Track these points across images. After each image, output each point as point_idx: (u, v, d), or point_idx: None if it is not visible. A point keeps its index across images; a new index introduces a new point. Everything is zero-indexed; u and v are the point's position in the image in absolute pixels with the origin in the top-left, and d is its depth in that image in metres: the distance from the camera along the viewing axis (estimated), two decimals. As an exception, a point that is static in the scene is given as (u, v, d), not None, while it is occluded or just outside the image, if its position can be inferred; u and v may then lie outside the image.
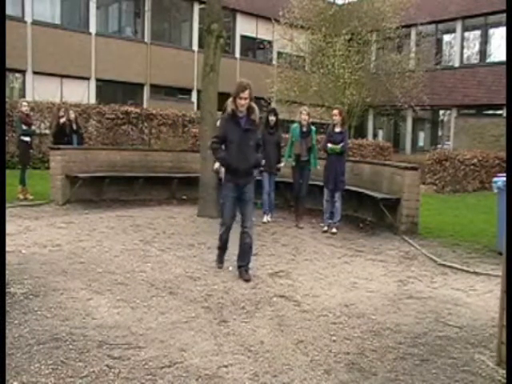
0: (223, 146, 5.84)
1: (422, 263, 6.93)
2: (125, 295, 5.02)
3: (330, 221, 8.79)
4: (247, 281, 5.54)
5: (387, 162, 11.57)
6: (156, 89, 23.80)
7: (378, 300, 5.27)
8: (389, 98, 22.19)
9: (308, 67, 23.57)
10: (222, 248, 6.17)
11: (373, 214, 9.33)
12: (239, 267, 5.80)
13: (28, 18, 20.14)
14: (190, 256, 6.55)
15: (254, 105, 5.75)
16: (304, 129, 8.90)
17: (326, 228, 8.79)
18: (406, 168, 8.90)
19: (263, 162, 6.63)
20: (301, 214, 9.27)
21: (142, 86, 23.81)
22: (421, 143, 26.33)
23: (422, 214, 9.00)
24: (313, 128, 9.04)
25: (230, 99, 5.71)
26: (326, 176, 8.71)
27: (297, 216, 9.24)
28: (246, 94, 5.56)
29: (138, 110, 18.98)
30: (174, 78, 23.64)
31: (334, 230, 8.63)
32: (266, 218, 9.36)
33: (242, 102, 5.57)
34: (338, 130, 8.68)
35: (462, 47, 24.65)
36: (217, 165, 8.21)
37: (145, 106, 22.42)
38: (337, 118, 8.69)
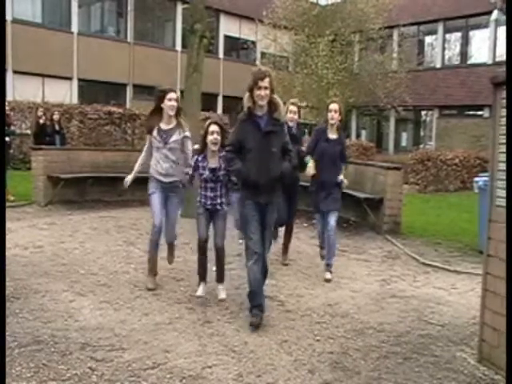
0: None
1: (405, 262, 6.98)
2: (108, 296, 5.00)
3: (324, 260, 6.21)
4: (255, 326, 4.37)
5: (370, 162, 11.64)
6: (139, 89, 23.66)
7: (361, 299, 5.31)
8: (372, 98, 22.32)
9: (291, 67, 23.63)
10: (256, 300, 4.51)
11: (356, 214, 9.38)
12: (251, 310, 4.51)
13: (8, 17, 19.89)
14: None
15: (277, 99, 4.52)
16: (293, 131, 6.09)
17: (323, 254, 6.35)
18: (388, 168, 8.96)
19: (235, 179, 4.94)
20: (287, 244, 6.73)
21: (124, 86, 23.67)
22: (403, 143, 26.53)
23: (404, 213, 9.08)
24: (305, 130, 7.33)
25: (246, 95, 4.47)
26: (315, 197, 6.12)
27: (284, 249, 6.69)
28: (265, 82, 4.35)
29: (120, 111, 18.86)
30: (157, 78, 23.44)
31: (329, 276, 5.91)
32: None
33: (262, 93, 4.33)
34: (333, 136, 5.93)
35: (444, 48, 24.94)
36: (129, 177, 5.42)
37: (128, 106, 22.29)
38: (335, 118, 5.88)
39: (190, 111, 9.74)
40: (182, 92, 10.29)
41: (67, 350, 3.75)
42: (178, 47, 25.06)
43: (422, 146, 24.44)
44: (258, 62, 25.68)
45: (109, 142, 18.10)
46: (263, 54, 25.51)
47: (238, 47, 28.33)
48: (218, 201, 4.96)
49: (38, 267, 5.83)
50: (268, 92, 4.37)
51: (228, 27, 27.11)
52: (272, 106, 4.45)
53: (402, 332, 4.43)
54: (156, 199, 5.22)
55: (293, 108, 6.25)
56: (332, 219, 5.89)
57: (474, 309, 4.90)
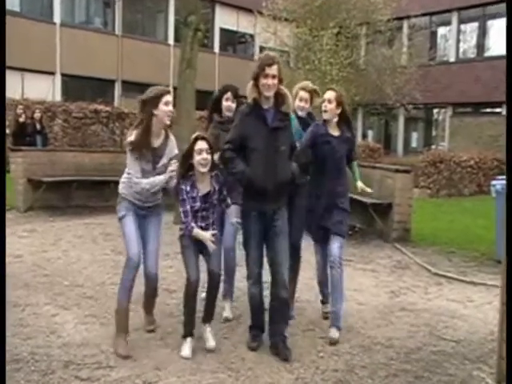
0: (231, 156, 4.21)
1: (416, 273, 6.97)
2: (94, 310, 4.98)
3: (326, 307, 5.11)
4: (286, 360, 4.04)
5: (377, 165, 11.64)
6: (128, 86, 23.70)
7: (368, 312, 5.29)
8: (379, 95, 22.37)
9: (293, 63, 23.67)
10: (256, 323, 4.37)
11: (362, 221, 9.38)
12: (271, 339, 4.23)
13: (-15, 7, 19.94)
14: (165, 267, 6.50)
15: (285, 90, 4.23)
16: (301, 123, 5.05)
17: (327, 310, 5.06)
18: (397, 171, 8.96)
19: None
20: (293, 289, 5.05)
21: (112, 82, 23.71)
22: (413, 144, 26.60)
23: (414, 219, 9.07)
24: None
25: (250, 84, 4.18)
26: (310, 216, 4.87)
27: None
28: (273, 69, 4.06)
29: (108, 109, 18.87)
30: (148, 74, 23.55)
31: (335, 335, 4.52)
32: (226, 311, 5.03)
33: (269, 82, 4.04)
34: (334, 133, 4.80)
35: (458, 41, 24.97)
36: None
37: (116, 104, 22.33)
38: (330, 109, 4.73)
39: (184, 110, 9.76)
40: (174, 89, 10.31)
41: (49, 368, 3.73)
42: (171, 41, 25.12)
43: (433, 146, 24.48)
44: (256, 57, 25.73)
45: (95, 142, 18.11)
46: (262, 49, 25.54)
47: (234, 41, 28.43)
48: (210, 229, 4.19)
49: (17, 278, 5.80)
50: (276, 82, 4.08)
51: (224, 19, 27.19)
52: (279, 97, 4.16)
53: (413, 348, 4.42)
54: (130, 224, 4.22)
55: (303, 94, 5.03)
56: (335, 246, 4.62)
57: (491, 324, 4.89)
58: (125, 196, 4.26)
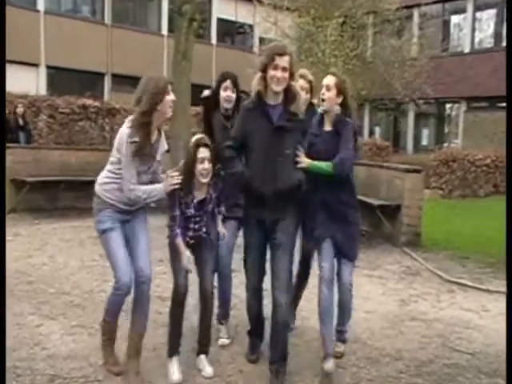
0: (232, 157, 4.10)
1: (427, 279, 6.97)
2: (82, 320, 4.98)
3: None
4: None
5: (385, 164, 11.65)
6: (119, 79, 23.70)
7: (375, 322, 5.29)
8: (387, 90, 22.36)
9: (295, 55, 23.65)
10: (254, 331, 4.39)
11: (369, 224, 9.37)
12: (270, 363, 4.03)
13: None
14: (158, 273, 6.48)
15: (296, 88, 4.11)
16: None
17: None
18: (406, 170, 8.96)
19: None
20: (296, 302, 5.03)
21: (102, 75, 23.70)
22: (424, 142, 26.60)
23: (425, 222, 9.07)
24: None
25: (258, 76, 4.00)
26: (309, 231, 4.44)
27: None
28: (284, 60, 3.85)
29: (97, 104, 18.86)
30: (140, 67, 23.42)
31: (340, 349, 4.50)
32: (222, 339, 4.70)
33: (279, 74, 3.84)
34: (327, 127, 4.27)
35: (474, 29, 24.86)
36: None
37: (106, 99, 22.31)
38: (329, 98, 4.21)
39: (179, 105, 9.76)
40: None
41: (33, 383, 3.72)
42: (164, 31, 25.13)
43: (446, 144, 24.46)
44: (255, 49, 25.75)
45: (83, 140, 18.09)
46: (262, 40, 25.56)
47: (233, 32, 28.42)
48: (204, 229, 4.08)
49: (-1, 285, 5.80)
50: (286, 75, 3.87)
51: (221, 8, 27.19)
52: (289, 94, 3.95)
53: (424, 361, 4.41)
54: (118, 239, 3.87)
55: (302, 83, 4.78)
56: (346, 272, 4.31)
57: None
58: (108, 201, 3.86)
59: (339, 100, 4.21)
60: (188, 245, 4.02)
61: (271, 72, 3.85)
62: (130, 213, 3.95)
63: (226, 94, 4.54)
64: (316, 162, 4.05)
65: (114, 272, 3.82)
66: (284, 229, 3.97)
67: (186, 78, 9.90)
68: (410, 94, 22.32)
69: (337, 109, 4.21)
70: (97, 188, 3.93)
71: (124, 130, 3.77)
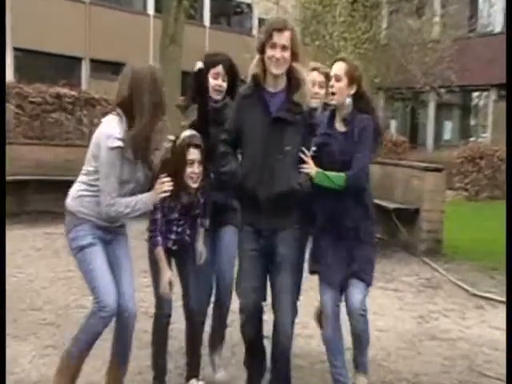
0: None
1: (449, 293, 6.98)
2: (56, 340, 4.98)
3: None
4: None
5: (402, 162, 11.66)
6: (98, 65, 23.76)
7: (391, 341, 5.29)
8: (404, 77, 22.34)
9: (299, 38, 23.65)
10: (251, 364, 4.15)
11: (383, 230, 9.38)
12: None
13: None
14: (142, 286, 6.47)
15: (301, 70, 3.87)
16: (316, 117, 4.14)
17: None
18: (426, 169, 8.97)
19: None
20: None
21: (79, 60, 23.75)
22: (447, 136, 26.62)
23: (447, 228, 9.07)
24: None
25: (256, 58, 3.86)
26: (316, 251, 4.13)
27: None
28: (283, 37, 3.69)
29: (74, 93, 18.83)
30: (123, 52, 23.52)
31: (364, 382, 4.19)
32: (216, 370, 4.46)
33: (277, 54, 3.66)
34: (340, 128, 4.04)
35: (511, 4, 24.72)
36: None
37: (83, 87, 22.31)
38: (339, 89, 3.98)
39: (167, 96, 9.74)
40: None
41: (0, 410, 3.72)
42: (151, 11, 25.19)
43: (472, 139, 24.47)
44: (254, 32, 25.77)
45: (58, 134, 18.05)
46: (262, 21, 25.59)
47: (228, 12, 28.51)
48: (188, 232, 4.03)
49: (-38, 300, 5.80)
50: (287, 55, 3.68)
51: (216, -16, 27.23)
52: (292, 80, 3.78)
53: (446, 385, 4.42)
54: (100, 257, 3.70)
55: (317, 77, 4.57)
56: (356, 297, 3.98)
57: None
58: (85, 218, 3.67)
59: (352, 91, 3.99)
60: (170, 252, 3.96)
61: (269, 52, 3.68)
62: (111, 231, 3.77)
63: (216, 83, 4.23)
64: (326, 173, 3.81)
65: (97, 295, 3.63)
66: (285, 241, 3.80)
67: (176, 65, 9.95)
68: (431, 82, 22.30)
69: (348, 101, 3.99)
70: (69, 203, 3.73)
71: (103, 131, 3.54)
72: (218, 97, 4.26)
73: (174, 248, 3.98)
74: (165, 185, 3.68)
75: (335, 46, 20.98)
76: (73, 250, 3.71)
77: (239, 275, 3.93)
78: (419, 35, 22.35)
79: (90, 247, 3.64)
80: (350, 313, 3.96)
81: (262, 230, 3.80)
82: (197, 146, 3.84)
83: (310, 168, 3.81)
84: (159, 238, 3.87)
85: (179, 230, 3.98)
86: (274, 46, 3.67)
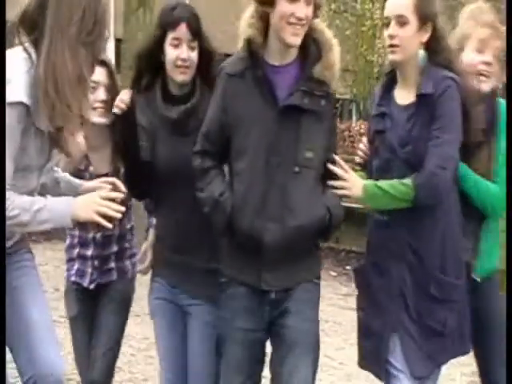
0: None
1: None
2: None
3: None
4: None
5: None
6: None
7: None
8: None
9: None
10: None
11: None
12: None
13: None
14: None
15: (323, 28, 3.41)
16: None
17: None
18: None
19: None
20: None
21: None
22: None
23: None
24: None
25: (250, 12, 3.26)
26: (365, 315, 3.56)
27: None
28: None
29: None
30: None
31: None
32: None
33: (301, 11, 3.14)
34: (401, 99, 3.39)
35: None
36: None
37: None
38: (406, 39, 3.30)
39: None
40: (118, 41, 10.31)
41: None
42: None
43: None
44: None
45: None
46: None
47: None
48: (112, 265, 3.99)
49: None
50: (310, 14, 3.19)
51: None
52: (310, 45, 3.25)
53: None
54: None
55: (481, 33, 3.59)
56: None
57: None
58: None
59: (424, 38, 3.33)
60: (87, 292, 3.95)
61: (285, 6, 3.08)
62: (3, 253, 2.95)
63: (178, 55, 3.47)
64: (380, 184, 3.14)
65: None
66: (301, 306, 3.22)
67: (144, 35, 9.92)
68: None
69: (421, 55, 3.36)
70: None
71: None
72: (184, 78, 3.54)
73: (92, 287, 3.95)
74: (111, 195, 3.03)
75: (358, 10, 20.99)
76: None
77: (223, 369, 3.35)
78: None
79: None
80: None
81: (265, 291, 3.23)
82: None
83: (350, 183, 3.18)
84: (74, 279, 3.96)
85: (97, 266, 3.93)
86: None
